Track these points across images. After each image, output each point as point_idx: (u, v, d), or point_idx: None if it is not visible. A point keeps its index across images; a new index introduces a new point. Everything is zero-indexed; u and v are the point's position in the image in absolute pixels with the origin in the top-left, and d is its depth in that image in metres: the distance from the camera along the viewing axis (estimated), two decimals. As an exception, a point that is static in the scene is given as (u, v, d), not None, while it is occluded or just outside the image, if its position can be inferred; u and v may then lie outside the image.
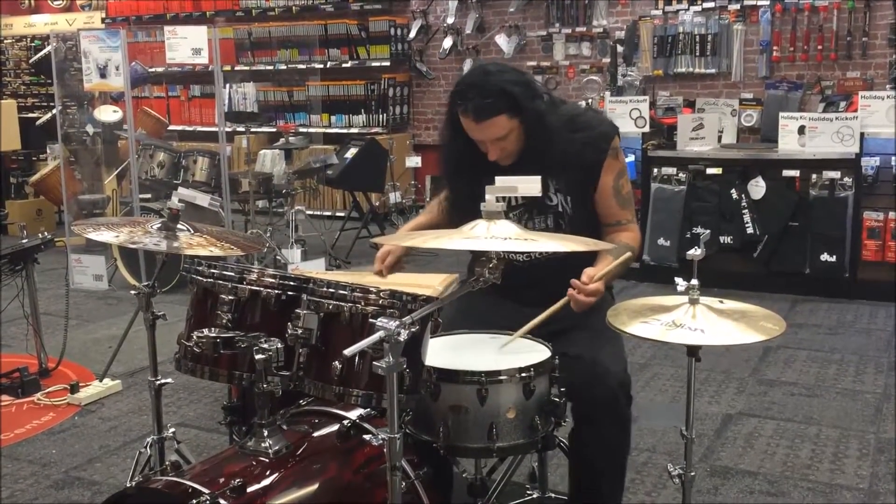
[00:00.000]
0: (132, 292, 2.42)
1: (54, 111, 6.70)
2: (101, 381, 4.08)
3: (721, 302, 2.01)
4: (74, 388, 3.99)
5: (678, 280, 1.98)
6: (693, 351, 1.98)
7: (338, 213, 8.32)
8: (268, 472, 1.85)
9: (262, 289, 1.92)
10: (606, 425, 2.22)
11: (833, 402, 3.83)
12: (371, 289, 1.81)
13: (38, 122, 8.95)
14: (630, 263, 2.31)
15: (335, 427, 2.02)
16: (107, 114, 6.83)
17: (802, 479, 3.11)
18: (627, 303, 2.07)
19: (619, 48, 7.11)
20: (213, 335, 1.87)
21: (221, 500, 1.70)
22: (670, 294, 2.01)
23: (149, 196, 6.35)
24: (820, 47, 6.50)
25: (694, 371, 2.02)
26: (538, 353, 2.08)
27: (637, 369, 4.19)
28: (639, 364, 4.26)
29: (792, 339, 4.65)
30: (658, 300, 2.04)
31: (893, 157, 5.36)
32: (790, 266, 5.53)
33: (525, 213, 2.43)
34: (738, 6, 6.77)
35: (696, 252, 1.99)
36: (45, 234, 4.20)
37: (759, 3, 6.69)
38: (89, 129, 6.99)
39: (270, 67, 8.89)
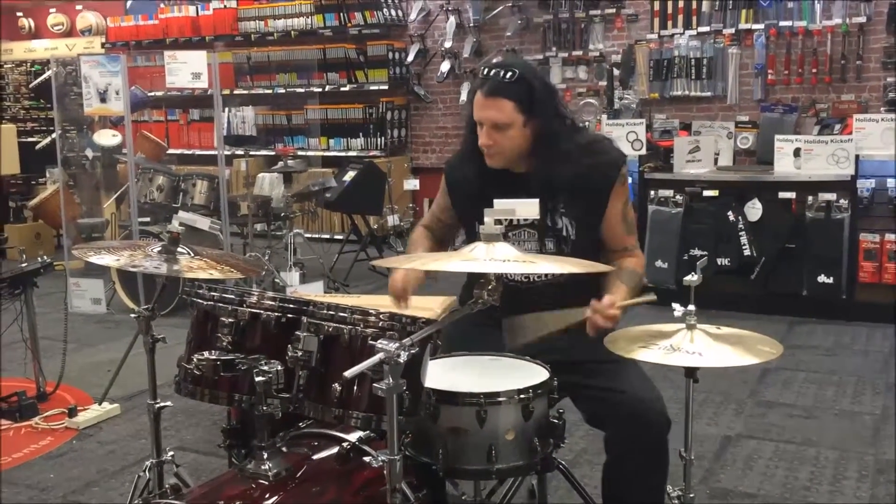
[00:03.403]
0: (132, 315, 2.42)
1: (54, 135, 6.72)
2: (99, 404, 4.08)
3: (718, 328, 2.02)
4: (72, 412, 3.98)
5: (675, 306, 1.99)
6: (691, 372, 1.99)
7: (336, 236, 8.33)
8: (267, 495, 1.85)
9: (262, 311, 1.93)
10: (646, 454, 2.21)
11: (831, 423, 3.83)
12: (371, 311, 1.82)
13: (37, 147, 8.98)
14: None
15: (335, 449, 2.02)
16: (106, 138, 6.86)
17: (802, 501, 3.11)
18: (625, 330, 2.08)
19: (616, 72, 7.17)
20: (214, 358, 1.88)
21: (221, 523, 1.70)
22: (668, 316, 2.03)
23: (148, 219, 6.37)
24: (815, 70, 6.56)
25: (692, 392, 2.03)
26: (537, 374, 2.09)
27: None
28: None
29: (790, 360, 4.65)
30: (655, 327, 2.05)
31: (889, 179, 5.40)
32: (787, 288, 5.54)
33: (526, 234, 2.43)
34: (732, 30, 6.83)
35: (692, 278, 2.00)
36: (44, 257, 4.21)
37: (754, 27, 6.75)
38: (89, 153, 7.02)
39: (269, 91, 8.94)
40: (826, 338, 5.13)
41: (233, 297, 1.96)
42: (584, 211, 2.39)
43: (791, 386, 4.31)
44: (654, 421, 2.19)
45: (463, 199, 2.51)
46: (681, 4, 7.00)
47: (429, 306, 2.40)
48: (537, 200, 2.28)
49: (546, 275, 2.36)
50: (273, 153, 8.66)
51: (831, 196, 5.40)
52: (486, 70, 2.32)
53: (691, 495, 2.09)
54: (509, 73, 2.27)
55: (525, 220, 2.39)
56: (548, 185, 2.33)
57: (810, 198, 5.48)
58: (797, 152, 5.57)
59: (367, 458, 1.95)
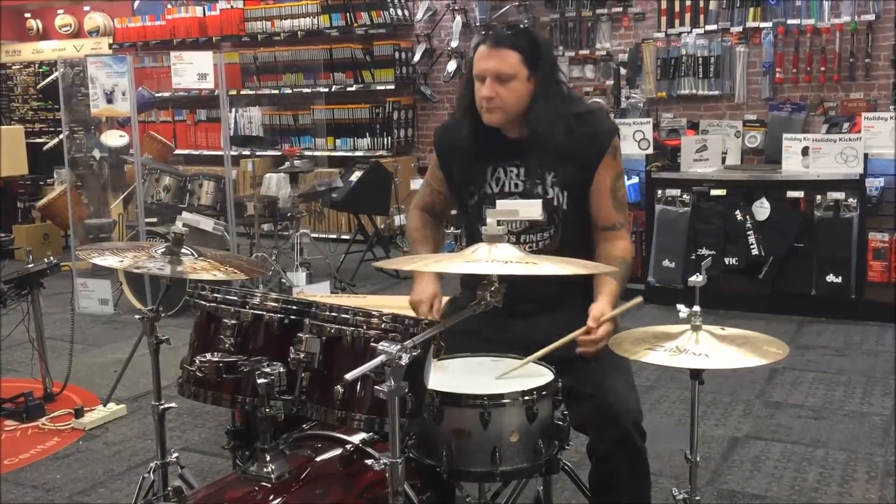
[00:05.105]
0: (136, 317, 2.42)
1: (61, 136, 6.74)
2: (105, 405, 4.08)
3: (723, 329, 2.00)
4: (79, 413, 3.99)
5: (680, 307, 1.97)
6: (696, 373, 1.97)
7: (343, 236, 8.33)
8: (270, 498, 1.84)
9: (264, 313, 1.92)
10: (624, 463, 2.20)
11: (840, 424, 3.80)
12: (373, 312, 1.81)
13: (45, 148, 9.01)
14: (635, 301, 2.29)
15: (338, 451, 2.01)
16: (113, 138, 6.87)
17: (810, 502, 3.08)
18: (629, 332, 2.06)
19: (623, 71, 7.15)
20: (216, 360, 1.88)
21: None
22: (674, 315, 2.01)
23: (155, 220, 6.38)
24: (823, 69, 6.52)
25: (697, 394, 2.01)
26: (541, 376, 2.08)
27: (643, 391, 4.16)
28: (644, 386, 4.24)
29: (798, 360, 4.62)
30: (660, 328, 2.04)
31: (897, 178, 5.37)
32: (796, 287, 5.51)
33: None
34: (740, 28, 6.81)
35: (697, 279, 1.98)
36: (52, 258, 4.21)
37: (762, 26, 6.72)
38: (96, 153, 7.02)
39: (276, 91, 8.95)
40: (835, 338, 5.09)
41: (235, 298, 1.95)
42: (574, 180, 2.35)
43: (800, 386, 4.28)
44: (622, 425, 2.15)
45: (455, 165, 2.47)
46: (688, 3, 6.98)
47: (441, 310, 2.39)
48: (540, 201, 2.27)
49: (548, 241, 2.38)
50: (279, 153, 8.65)
51: (840, 195, 5.37)
52: (490, 27, 2.34)
53: (697, 497, 2.07)
54: (515, 26, 2.30)
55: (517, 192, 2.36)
56: (541, 148, 2.31)
57: (819, 197, 5.45)
58: (805, 151, 5.54)
59: (369, 461, 1.93)
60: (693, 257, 5.69)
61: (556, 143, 2.29)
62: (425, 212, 2.61)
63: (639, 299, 2.27)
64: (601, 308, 2.18)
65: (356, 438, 2.04)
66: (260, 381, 1.83)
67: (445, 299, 2.42)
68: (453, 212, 2.66)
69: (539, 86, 2.29)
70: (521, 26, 2.33)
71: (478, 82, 2.30)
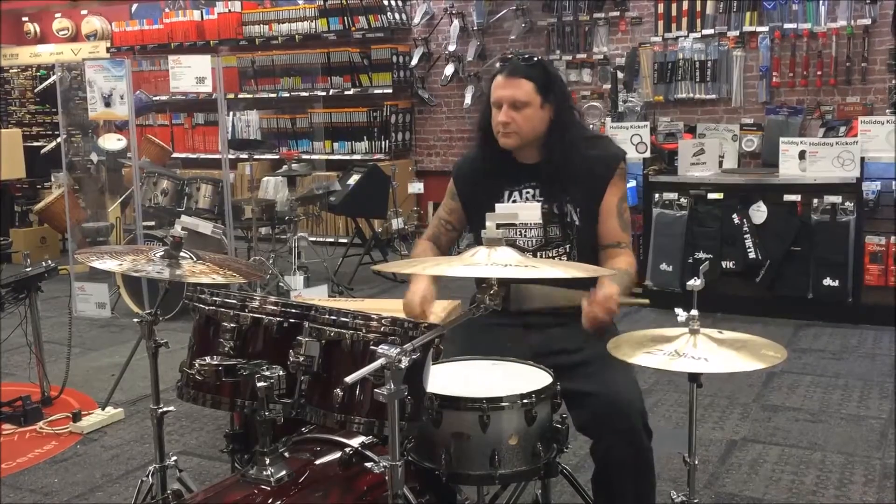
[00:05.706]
0: (135, 320, 2.42)
1: (59, 140, 6.75)
2: (103, 409, 4.08)
3: (720, 332, 2.01)
4: (77, 417, 3.98)
5: (678, 311, 1.98)
6: (695, 376, 1.98)
7: (340, 240, 8.33)
8: (269, 501, 1.84)
9: (264, 316, 1.92)
10: (629, 460, 2.21)
11: (838, 427, 3.81)
12: (373, 316, 1.81)
13: (42, 151, 9.00)
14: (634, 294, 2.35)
15: (337, 455, 2.01)
16: (111, 142, 6.88)
17: (808, 505, 3.09)
18: (628, 335, 2.07)
19: (620, 74, 7.16)
20: (215, 363, 1.87)
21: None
22: (672, 319, 2.02)
23: (152, 223, 6.38)
24: (819, 73, 6.54)
25: (696, 397, 2.02)
26: (540, 379, 2.08)
27: (640, 395, 4.17)
28: (642, 389, 4.23)
29: (796, 364, 4.63)
30: (658, 331, 2.04)
31: (894, 182, 5.38)
32: (793, 291, 5.52)
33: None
34: (737, 32, 6.82)
35: (695, 283, 1.99)
36: (49, 262, 4.21)
37: (759, 30, 6.74)
38: (94, 157, 7.03)
39: (273, 95, 8.95)
40: (832, 341, 5.10)
41: (235, 301, 1.95)
42: (587, 199, 2.48)
43: (797, 390, 4.29)
44: (628, 418, 2.18)
45: (473, 194, 2.58)
46: (685, 7, 7.00)
47: (432, 311, 2.40)
48: (539, 204, 2.32)
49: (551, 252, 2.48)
50: (277, 157, 8.64)
51: (837, 198, 5.38)
52: (507, 59, 2.48)
53: (695, 500, 2.08)
54: (529, 59, 2.44)
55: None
56: (557, 171, 2.44)
57: (815, 200, 5.46)
58: (802, 154, 5.56)
59: (369, 464, 1.94)
60: (690, 261, 5.70)
61: (570, 165, 2.44)
62: (431, 242, 2.71)
63: (645, 301, 2.32)
64: (611, 290, 2.23)
65: (355, 441, 2.04)
66: (259, 384, 1.83)
67: (448, 303, 2.44)
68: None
69: (553, 113, 2.44)
70: (535, 59, 2.47)
71: (495, 109, 2.45)
